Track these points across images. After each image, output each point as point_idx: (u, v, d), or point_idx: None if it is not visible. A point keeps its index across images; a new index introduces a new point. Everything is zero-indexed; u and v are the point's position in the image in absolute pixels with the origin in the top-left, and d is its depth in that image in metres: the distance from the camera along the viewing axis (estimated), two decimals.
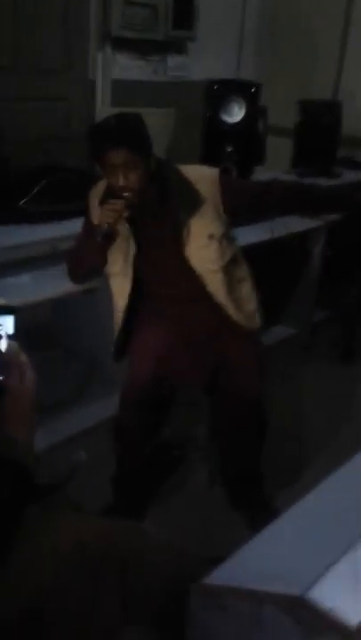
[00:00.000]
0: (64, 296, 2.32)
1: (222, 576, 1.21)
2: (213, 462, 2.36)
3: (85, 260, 2.16)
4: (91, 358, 2.94)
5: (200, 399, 2.32)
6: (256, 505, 2.17)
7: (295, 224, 2.93)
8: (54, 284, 2.28)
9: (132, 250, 2.06)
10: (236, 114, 3.28)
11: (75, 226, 2.30)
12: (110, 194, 1.99)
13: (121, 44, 3.43)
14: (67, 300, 2.47)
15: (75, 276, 2.25)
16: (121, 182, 1.91)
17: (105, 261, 2.10)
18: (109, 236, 2.00)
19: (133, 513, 2.16)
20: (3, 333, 1.02)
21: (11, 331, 1.03)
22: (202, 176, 2.05)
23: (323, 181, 2.61)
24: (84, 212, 2.21)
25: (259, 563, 1.25)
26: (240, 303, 2.13)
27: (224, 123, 3.27)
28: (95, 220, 2.06)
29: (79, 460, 1.73)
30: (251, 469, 2.20)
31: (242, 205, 2.10)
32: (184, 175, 2.03)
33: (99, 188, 2.10)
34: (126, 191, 1.92)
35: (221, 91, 3.26)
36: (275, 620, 1.09)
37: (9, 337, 1.02)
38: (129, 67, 3.52)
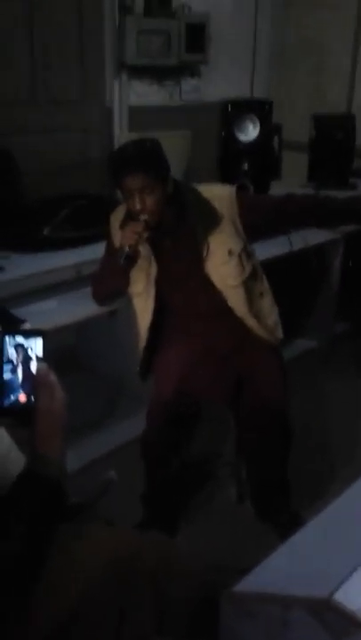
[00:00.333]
0: (90, 318, 2.38)
1: (251, 583, 1.24)
2: (241, 477, 2.38)
3: (109, 283, 2.23)
4: (116, 379, 2.99)
5: (227, 415, 2.35)
6: (284, 516, 2.19)
7: (313, 237, 2.96)
8: (80, 308, 2.34)
9: (154, 269, 2.12)
10: (250, 132, 3.35)
11: (97, 250, 2.37)
12: (130, 217, 2.06)
13: (136, 72, 3.51)
14: (90, 323, 2.53)
15: (99, 298, 2.32)
16: (138, 206, 1.98)
17: (128, 282, 2.16)
18: (131, 258, 2.05)
19: (164, 529, 2.19)
20: (33, 356, 1.08)
21: (40, 353, 1.08)
22: (219, 194, 2.11)
23: (339, 194, 2.64)
24: (105, 236, 2.28)
25: (285, 569, 1.28)
26: (261, 317, 2.17)
27: (239, 141, 3.35)
28: (117, 243, 2.13)
29: (110, 479, 1.76)
30: (277, 480, 2.21)
31: (259, 220, 2.14)
32: (201, 194, 2.09)
33: (119, 212, 2.17)
34: (144, 214, 1.99)
35: (235, 110, 3.34)
36: (302, 623, 1.12)
37: (38, 359, 1.08)
38: (145, 93, 3.60)
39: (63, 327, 2.24)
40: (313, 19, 4.06)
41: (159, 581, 1.21)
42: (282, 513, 2.19)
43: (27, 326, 2.03)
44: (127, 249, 2.01)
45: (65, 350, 3.00)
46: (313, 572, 1.24)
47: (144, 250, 2.09)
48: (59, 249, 2.55)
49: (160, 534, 1.48)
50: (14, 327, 1.82)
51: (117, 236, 2.14)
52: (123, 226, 2.11)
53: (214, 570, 1.48)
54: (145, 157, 1.96)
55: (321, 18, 4.02)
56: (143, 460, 2.20)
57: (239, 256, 2.10)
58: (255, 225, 2.12)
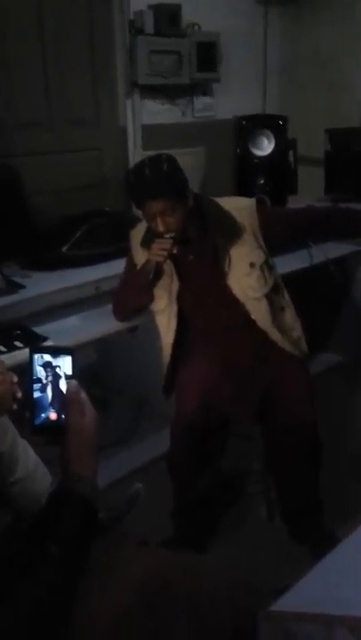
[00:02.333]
0: (111, 335, 2.37)
1: (289, 602, 1.20)
2: (271, 495, 2.34)
3: (132, 299, 2.22)
4: (138, 396, 2.97)
5: (256, 433, 2.31)
6: (317, 535, 2.13)
7: (333, 250, 2.93)
8: (101, 324, 2.33)
9: (176, 285, 2.11)
10: (265, 147, 3.36)
11: (115, 267, 2.37)
12: (152, 233, 2.05)
13: (148, 91, 3.52)
14: (110, 340, 2.52)
15: (121, 314, 2.31)
16: (161, 228, 1.97)
17: (151, 298, 2.15)
18: (157, 274, 2.05)
19: (193, 546, 2.15)
20: (61, 374, 1.07)
21: (69, 371, 1.07)
22: (239, 206, 2.10)
23: (358, 207, 2.63)
24: (123, 253, 2.27)
25: (324, 588, 1.24)
26: (285, 330, 2.15)
27: (254, 156, 3.35)
28: (137, 260, 2.12)
29: (137, 491, 1.74)
30: (308, 498, 2.17)
31: (280, 232, 2.13)
32: (222, 206, 2.08)
33: (138, 230, 2.17)
34: (167, 234, 1.98)
35: (250, 126, 3.35)
36: None
37: (67, 377, 1.06)
38: (157, 111, 3.61)
39: (85, 344, 2.22)
40: (324, 33, 4.06)
41: (193, 605, 1.18)
42: (314, 531, 2.13)
43: (49, 344, 2.02)
44: (154, 264, 2.00)
45: (86, 368, 2.98)
46: (352, 590, 1.20)
47: (166, 266, 2.08)
48: (78, 266, 2.56)
49: (192, 555, 1.45)
50: (42, 346, 1.82)
51: (138, 253, 2.14)
52: (143, 243, 2.10)
53: (249, 591, 1.44)
54: (163, 181, 1.94)
55: (332, 32, 4.02)
56: (171, 479, 2.17)
57: (261, 268, 2.08)
58: (276, 236, 2.11)
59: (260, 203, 2.18)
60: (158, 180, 1.93)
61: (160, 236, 2.00)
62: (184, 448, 2.10)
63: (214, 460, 2.23)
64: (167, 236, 1.98)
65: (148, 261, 2.04)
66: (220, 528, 2.33)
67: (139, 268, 2.11)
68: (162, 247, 1.99)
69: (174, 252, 2.02)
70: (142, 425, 2.91)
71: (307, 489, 2.14)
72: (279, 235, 2.12)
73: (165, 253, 1.99)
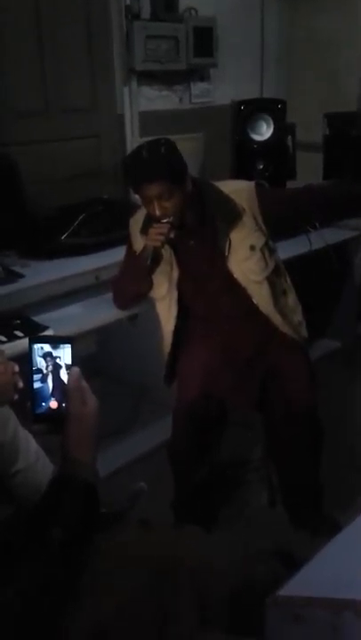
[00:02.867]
0: (112, 323, 2.36)
1: (296, 587, 1.20)
2: (272, 482, 2.34)
3: (131, 286, 2.20)
4: (139, 385, 2.97)
5: (255, 419, 2.30)
6: (318, 520, 2.13)
7: (332, 235, 2.92)
8: (102, 312, 2.33)
9: (175, 273, 2.09)
10: (264, 131, 3.35)
11: (115, 255, 2.37)
12: (151, 219, 2.03)
13: (145, 77, 3.49)
14: (111, 329, 2.51)
15: (121, 302, 2.30)
16: (158, 212, 1.95)
17: (151, 285, 2.14)
18: (155, 260, 2.03)
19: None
20: (62, 364, 1.06)
21: (69, 361, 1.07)
22: (239, 189, 2.08)
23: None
24: (122, 241, 2.26)
25: (331, 572, 1.24)
26: (286, 313, 2.13)
27: (253, 141, 3.34)
28: (137, 248, 2.11)
29: (140, 489, 1.74)
30: (309, 484, 2.16)
31: (280, 213, 2.10)
32: (221, 190, 2.06)
33: (138, 217, 2.15)
34: (165, 219, 1.96)
35: (248, 110, 3.33)
36: (353, 627, 1.07)
37: (67, 366, 1.06)
38: (155, 97, 3.58)
39: (86, 332, 2.22)
40: (321, 16, 4.03)
41: (199, 579, 1.19)
42: (315, 517, 2.13)
43: (50, 333, 2.01)
44: (152, 249, 1.99)
45: (86, 358, 2.98)
46: (359, 574, 1.20)
47: (165, 253, 2.07)
48: (77, 255, 2.55)
49: (196, 532, 1.45)
50: (42, 336, 1.81)
51: (138, 241, 2.12)
52: (143, 230, 2.08)
53: (254, 558, 1.44)
54: (160, 164, 1.92)
55: (329, 15, 3.99)
56: (171, 467, 2.17)
57: (261, 251, 2.06)
58: (276, 218, 2.08)
59: (258, 185, 2.16)
60: (156, 162, 1.91)
61: (158, 220, 1.98)
62: (185, 436, 2.10)
63: (213, 448, 2.23)
64: (165, 220, 1.96)
65: (145, 247, 2.03)
66: (221, 516, 2.33)
67: (138, 254, 2.10)
68: (159, 232, 1.97)
69: (172, 236, 2.00)
70: (143, 414, 2.91)
71: (308, 477, 2.14)
72: (279, 215, 2.09)
73: (163, 238, 1.98)
